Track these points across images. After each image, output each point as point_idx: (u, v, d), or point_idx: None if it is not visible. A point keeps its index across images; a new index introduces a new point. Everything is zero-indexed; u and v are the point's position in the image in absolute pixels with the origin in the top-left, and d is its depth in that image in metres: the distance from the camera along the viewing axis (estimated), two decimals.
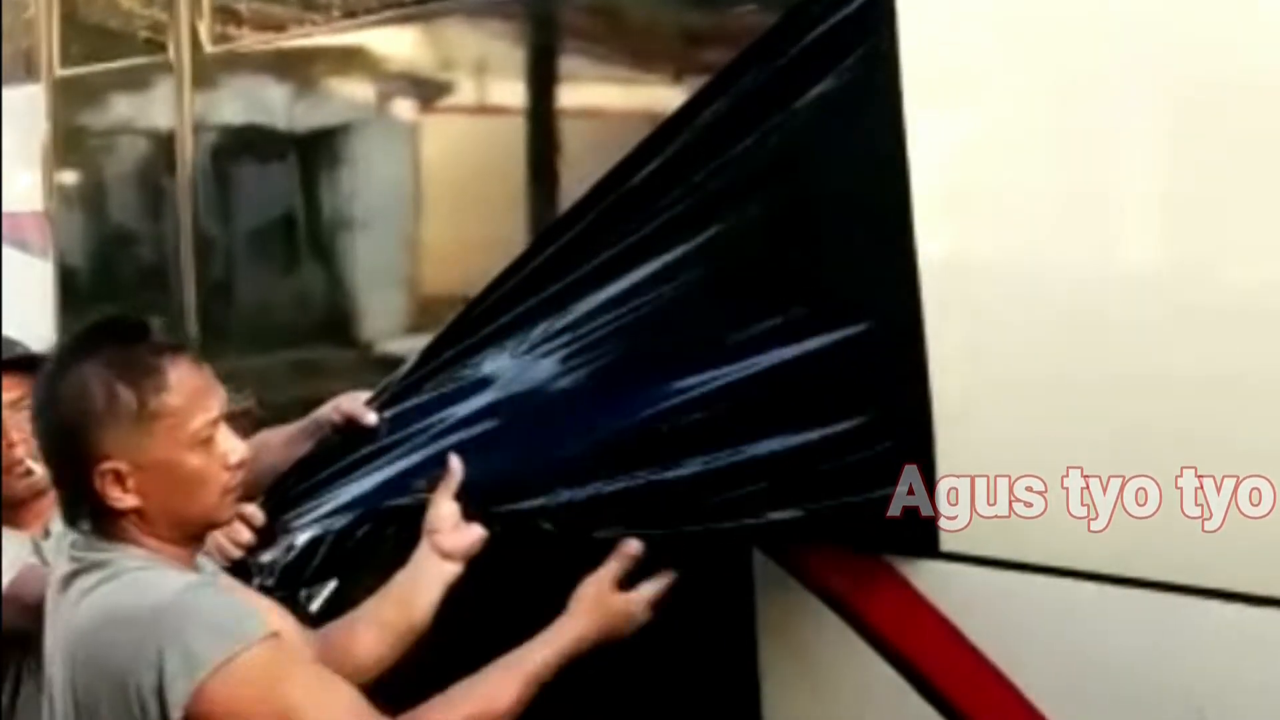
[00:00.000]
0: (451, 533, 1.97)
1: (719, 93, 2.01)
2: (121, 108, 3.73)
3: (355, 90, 3.09)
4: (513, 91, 2.69)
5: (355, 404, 2.14)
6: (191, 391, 1.74)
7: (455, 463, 2.00)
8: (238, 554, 2.01)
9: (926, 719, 1.98)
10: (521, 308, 2.09)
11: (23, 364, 2.26)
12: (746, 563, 2.13)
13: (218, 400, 1.77)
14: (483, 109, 2.83)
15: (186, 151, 3.37)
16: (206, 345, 3.36)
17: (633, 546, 1.95)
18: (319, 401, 3.05)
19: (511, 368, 2.08)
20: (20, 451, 2.24)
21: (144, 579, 1.68)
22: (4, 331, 2.50)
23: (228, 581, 1.87)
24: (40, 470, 2.16)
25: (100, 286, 3.81)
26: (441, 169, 2.88)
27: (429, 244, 2.94)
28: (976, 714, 1.95)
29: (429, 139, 2.91)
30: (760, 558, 2.12)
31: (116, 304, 3.74)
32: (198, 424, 1.73)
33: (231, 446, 1.77)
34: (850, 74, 1.94)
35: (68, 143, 3.83)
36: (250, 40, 3.32)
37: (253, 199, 3.36)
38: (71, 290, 3.80)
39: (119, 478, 1.70)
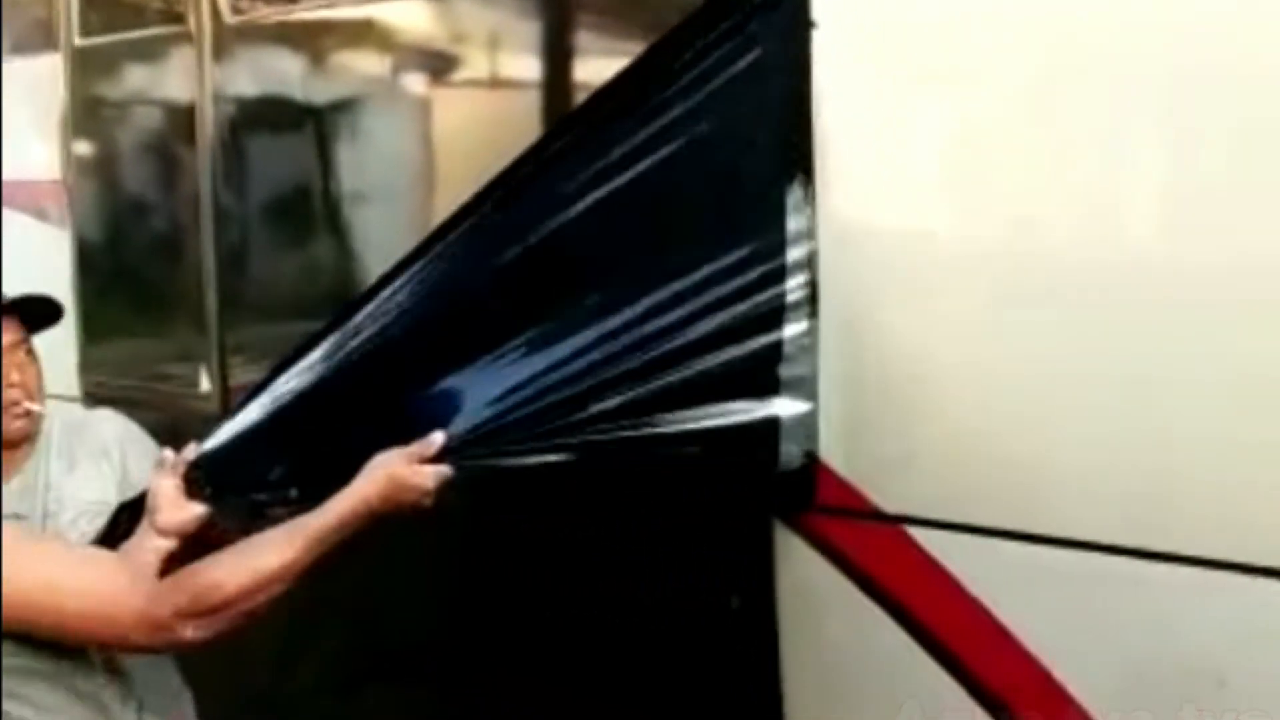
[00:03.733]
0: (168, 509, 2.02)
1: (635, 76, 2.08)
2: (140, 78, 3.73)
3: (373, 62, 3.09)
4: (528, 65, 2.69)
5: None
6: None
7: (189, 449, 2.07)
8: None
9: (944, 687, 2.00)
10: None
11: (17, 308, 2.34)
12: (767, 533, 2.15)
13: None
14: (499, 82, 2.83)
15: (206, 122, 3.38)
16: (225, 315, 3.39)
17: (437, 437, 1.97)
18: None
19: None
20: (18, 393, 2.31)
21: None
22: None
23: None
24: (38, 410, 2.32)
25: (118, 256, 3.83)
26: (458, 141, 2.88)
27: (446, 215, 2.94)
28: (997, 685, 1.96)
29: (446, 111, 2.92)
30: (780, 527, 2.14)
31: (134, 273, 3.76)
32: None
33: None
34: (762, 51, 2.02)
35: (86, 112, 3.84)
36: (269, 11, 3.32)
37: (272, 170, 3.36)
38: (89, 259, 3.81)
39: None
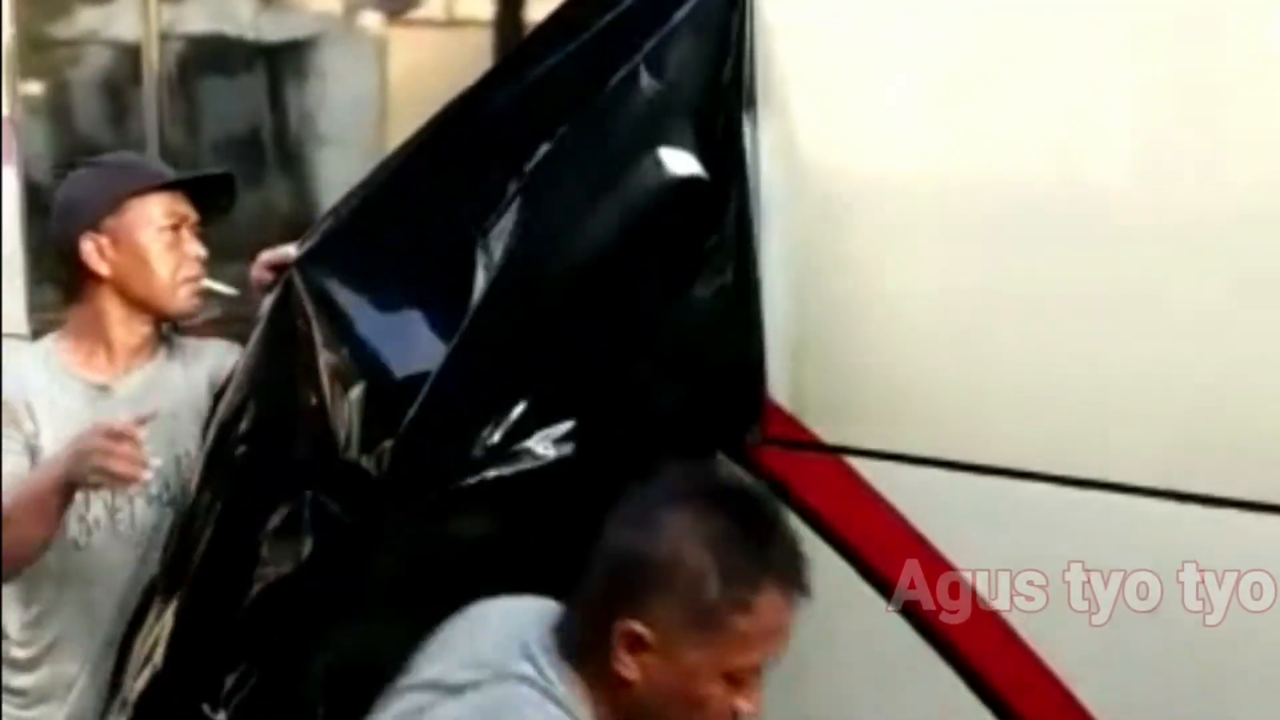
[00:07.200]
0: None
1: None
2: (87, 12, 3.69)
3: (324, 1, 3.08)
4: (481, 3, 2.69)
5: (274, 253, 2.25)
6: None
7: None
8: None
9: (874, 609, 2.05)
10: None
11: (189, 185, 2.36)
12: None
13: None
14: (452, 21, 2.83)
15: (152, 59, 3.35)
16: None
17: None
18: None
19: None
20: (198, 268, 2.33)
21: None
22: None
23: None
24: (223, 290, 2.40)
25: None
26: (410, 81, 2.88)
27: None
28: (934, 613, 2.01)
29: (398, 51, 2.91)
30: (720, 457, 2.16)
31: None
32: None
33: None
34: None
35: (32, 46, 3.79)
36: None
37: (220, 110, 3.35)
38: (38, 196, 3.78)
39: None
